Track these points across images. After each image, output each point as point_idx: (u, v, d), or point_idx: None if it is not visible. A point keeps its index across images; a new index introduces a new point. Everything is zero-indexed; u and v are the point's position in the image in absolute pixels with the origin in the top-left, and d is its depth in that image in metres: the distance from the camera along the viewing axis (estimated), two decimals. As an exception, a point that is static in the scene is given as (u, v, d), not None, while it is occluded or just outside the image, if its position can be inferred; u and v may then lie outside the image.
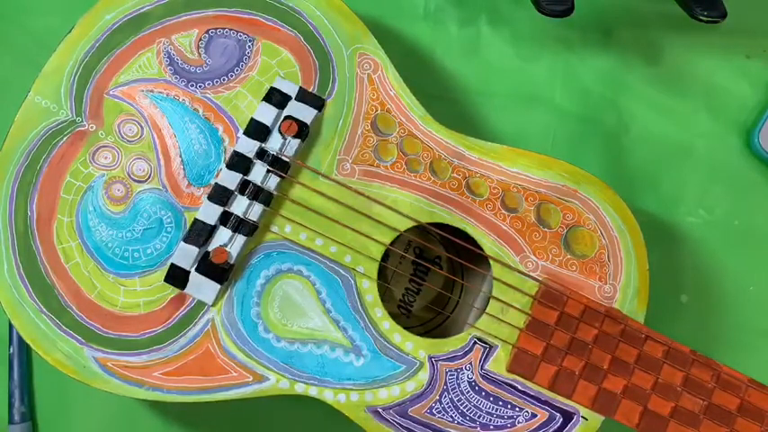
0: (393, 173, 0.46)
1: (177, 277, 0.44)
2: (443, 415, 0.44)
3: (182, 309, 0.44)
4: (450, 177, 0.46)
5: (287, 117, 0.45)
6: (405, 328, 0.45)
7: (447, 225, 0.46)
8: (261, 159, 0.45)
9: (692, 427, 0.44)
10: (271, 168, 0.44)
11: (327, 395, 0.44)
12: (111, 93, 0.45)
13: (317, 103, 0.45)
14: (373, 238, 0.45)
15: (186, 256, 0.44)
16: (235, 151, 0.45)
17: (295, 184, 0.45)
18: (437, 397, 0.44)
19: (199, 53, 0.46)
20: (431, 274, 0.54)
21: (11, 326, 0.54)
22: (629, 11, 0.58)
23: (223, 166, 0.45)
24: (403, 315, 0.54)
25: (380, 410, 0.44)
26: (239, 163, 0.44)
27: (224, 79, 0.46)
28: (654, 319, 0.46)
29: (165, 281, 0.44)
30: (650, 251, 0.46)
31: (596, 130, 0.57)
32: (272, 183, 0.45)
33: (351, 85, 0.46)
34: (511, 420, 0.44)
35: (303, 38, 0.46)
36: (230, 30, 0.46)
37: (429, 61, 0.57)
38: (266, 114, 0.45)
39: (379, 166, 0.46)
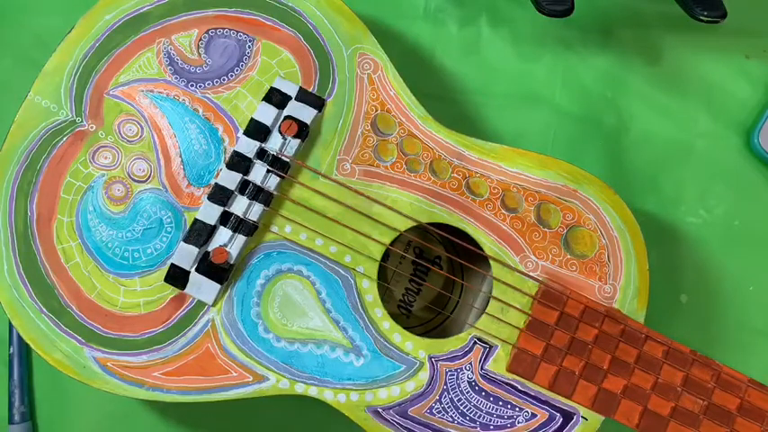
0: (393, 173, 0.46)
1: (177, 277, 0.44)
2: (443, 415, 0.44)
3: (182, 309, 0.44)
4: (450, 177, 0.46)
5: (287, 117, 0.45)
6: (405, 328, 0.45)
7: (447, 225, 0.46)
8: (261, 159, 0.45)
9: (692, 427, 0.44)
10: (271, 168, 0.44)
11: (327, 395, 0.44)
12: (111, 93, 0.45)
13: (317, 103, 0.45)
14: (373, 238, 0.45)
15: (186, 256, 0.44)
16: (235, 151, 0.45)
17: (295, 184, 0.45)
18: (437, 397, 0.44)
19: (199, 53, 0.46)
20: (431, 274, 0.54)
21: (11, 326, 0.54)
22: (629, 11, 0.58)
23: (223, 166, 0.45)
24: (403, 315, 0.54)
25: (380, 410, 0.44)
26: (239, 163, 0.44)
27: (224, 79, 0.46)
28: (654, 319, 0.46)
29: (165, 281, 0.44)
30: (650, 251, 0.46)
31: (596, 130, 0.57)
32: (272, 183, 0.45)
33: (351, 85, 0.46)
34: (511, 420, 0.44)
35: (303, 38, 0.46)
36: (230, 30, 0.46)
37: (429, 61, 0.57)
38: (266, 114, 0.45)
39: (379, 166, 0.46)
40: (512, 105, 0.57)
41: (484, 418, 0.44)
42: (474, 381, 0.45)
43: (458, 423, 0.44)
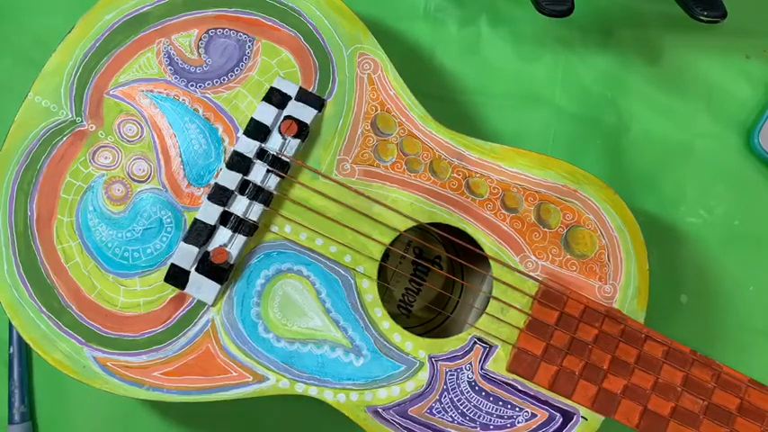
0: (393, 173, 0.46)
1: (177, 277, 0.44)
2: (443, 415, 0.44)
3: (182, 309, 0.44)
4: (450, 177, 0.46)
5: (287, 117, 0.45)
6: (405, 328, 0.45)
7: (447, 225, 0.46)
8: (261, 159, 0.45)
9: (692, 427, 0.44)
10: (271, 168, 0.44)
11: (327, 395, 0.44)
12: (111, 93, 0.45)
13: (316, 103, 0.45)
14: (373, 238, 0.45)
15: (186, 256, 0.44)
16: (235, 151, 0.45)
17: (295, 184, 0.45)
18: (437, 397, 0.44)
19: (199, 53, 0.46)
20: (431, 274, 0.54)
21: (11, 326, 0.54)
22: (629, 11, 0.58)
23: (223, 165, 0.45)
24: (403, 315, 0.54)
25: (380, 410, 0.44)
26: (239, 163, 0.44)
27: (224, 79, 0.46)
28: (654, 319, 0.46)
29: (164, 281, 0.44)
30: (650, 251, 0.46)
31: (596, 130, 0.57)
32: (272, 183, 0.45)
33: (351, 85, 0.46)
34: (511, 420, 0.44)
35: (303, 38, 0.46)
36: (230, 30, 0.46)
37: (429, 61, 0.57)
38: (266, 114, 0.45)
39: (379, 166, 0.46)
40: (512, 105, 0.57)
41: (484, 418, 0.44)
42: (474, 381, 0.45)
43: (458, 423, 0.44)
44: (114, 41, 0.45)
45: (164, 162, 0.45)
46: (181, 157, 0.45)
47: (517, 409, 0.45)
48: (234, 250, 0.44)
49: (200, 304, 0.44)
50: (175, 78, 0.46)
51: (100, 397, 0.49)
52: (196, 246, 0.44)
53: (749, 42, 0.58)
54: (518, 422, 0.44)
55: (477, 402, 0.45)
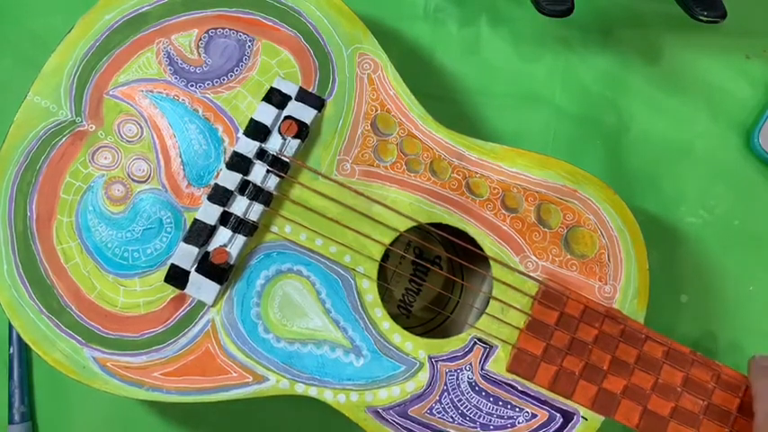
0: (393, 173, 0.46)
1: (177, 277, 0.44)
2: (443, 415, 0.44)
3: (182, 309, 0.44)
4: (450, 177, 0.46)
5: (287, 117, 0.45)
6: (405, 328, 0.45)
7: (447, 225, 0.46)
8: (261, 159, 0.45)
9: (692, 427, 0.44)
10: (270, 168, 0.44)
11: (327, 395, 0.44)
12: (110, 93, 0.45)
13: (316, 103, 0.45)
14: (373, 239, 0.45)
15: (186, 256, 0.44)
16: (234, 151, 0.45)
17: (295, 185, 0.45)
18: (437, 397, 0.44)
19: (198, 53, 0.46)
20: (431, 275, 0.54)
21: (11, 326, 0.54)
22: (629, 11, 0.58)
23: (223, 166, 0.45)
24: (403, 315, 0.54)
25: (380, 411, 0.44)
26: (239, 163, 0.44)
27: (224, 79, 0.46)
28: (654, 319, 0.46)
29: (164, 281, 0.44)
30: (650, 251, 0.46)
31: (596, 130, 0.57)
32: (272, 183, 0.45)
33: (351, 86, 0.46)
34: (511, 421, 0.44)
35: (303, 38, 0.46)
36: (230, 30, 0.46)
37: (429, 61, 0.57)
38: (266, 114, 0.45)
39: (378, 167, 0.46)
40: (512, 105, 0.57)
41: (484, 418, 0.44)
42: (474, 381, 0.45)
43: (458, 423, 0.44)
44: (114, 41, 0.45)
45: (164, 162, 0.45)
46: (181, 157, 0.45)
47: (517, 409, 0.45)
48: (234, 250, 0.44)
49: (201, 304, 0.44)
50: (175, 78, 0.46)
51: (100, 397, 0.49)
52: (196, 246, 0.44)
53: (749, 42, 0.58)
54: (518, 422, 0.44)
55: (477, 403, 0.45)
